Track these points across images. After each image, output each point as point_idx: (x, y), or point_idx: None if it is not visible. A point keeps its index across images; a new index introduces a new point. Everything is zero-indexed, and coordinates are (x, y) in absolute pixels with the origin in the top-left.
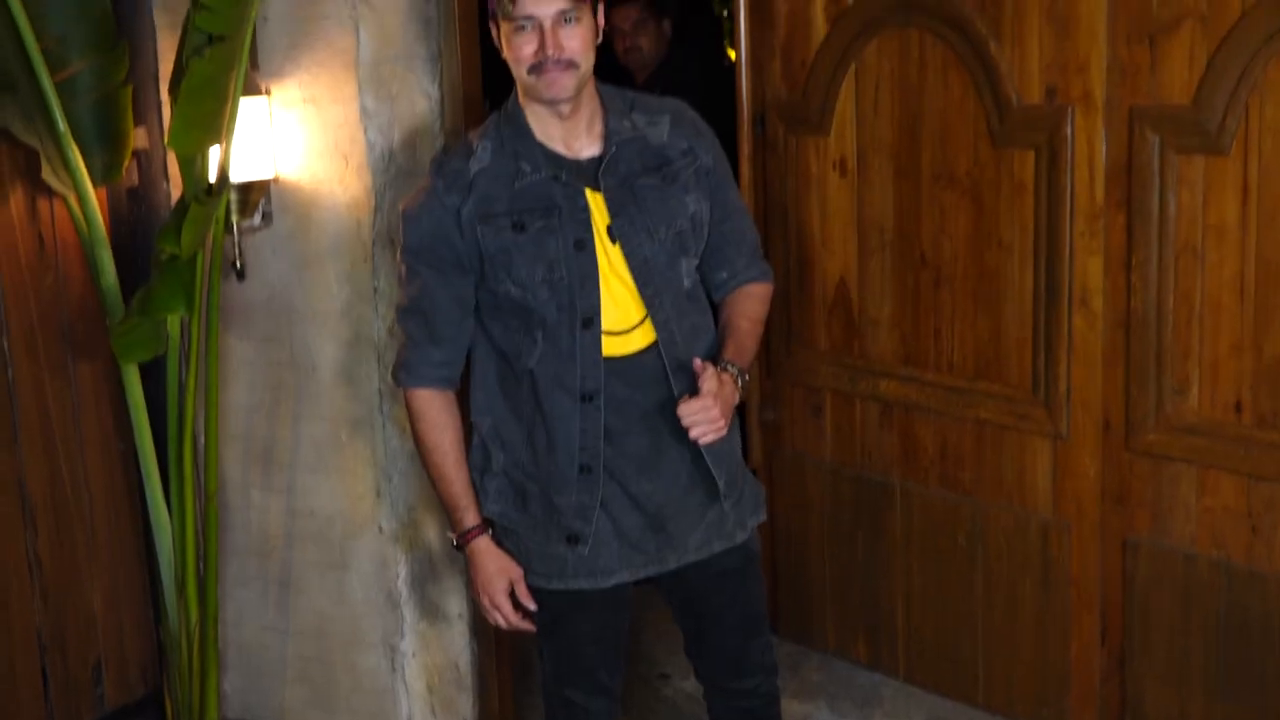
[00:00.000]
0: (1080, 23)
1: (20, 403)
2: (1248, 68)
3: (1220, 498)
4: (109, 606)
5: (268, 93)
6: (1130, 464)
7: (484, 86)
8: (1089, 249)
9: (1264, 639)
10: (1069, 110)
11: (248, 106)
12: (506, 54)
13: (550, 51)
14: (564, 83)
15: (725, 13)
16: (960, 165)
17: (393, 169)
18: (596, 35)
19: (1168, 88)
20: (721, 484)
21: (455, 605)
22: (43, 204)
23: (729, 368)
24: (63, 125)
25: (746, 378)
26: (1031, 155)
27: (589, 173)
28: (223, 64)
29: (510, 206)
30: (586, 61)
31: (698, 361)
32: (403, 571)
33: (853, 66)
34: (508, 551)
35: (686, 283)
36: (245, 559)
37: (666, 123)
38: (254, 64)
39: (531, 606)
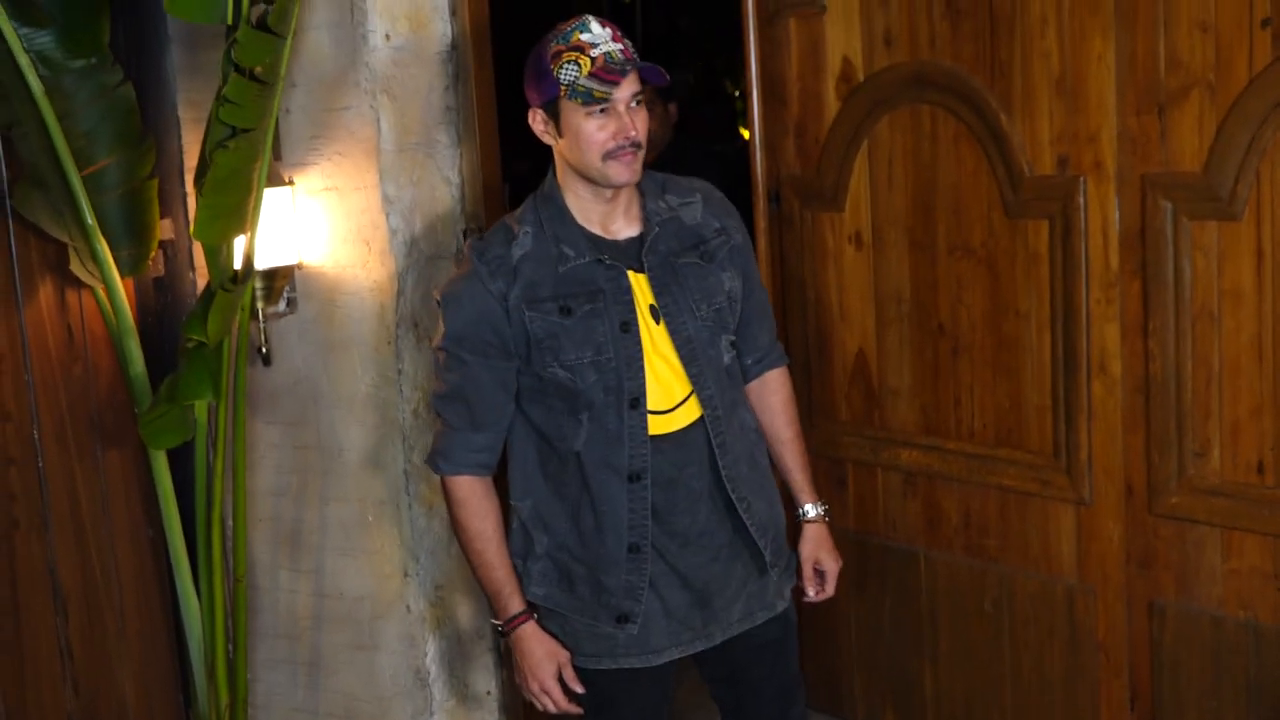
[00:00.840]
0: (1089, 94)
1: (51, 491)
2: (1257, 134)
3: (1246, 559)
4: (140, 692)
5: (291, 182)
6: (1154, 527)
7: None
8: (1105, 316)
9: None
10: (1081, 180)
11: (271, 196)
12: (565, 140)
13: (631, 135)
14: (636, 166)
15: (738, 92)
16: (975, 236)
17: (415, 253)
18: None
19: (1178, 156)
20: (768, 555)
21: (484, 683)
22: (71, 295)
23: (819, 511)
24: (90, 219)
25: (826, 507)
26: (1045, 225)
27: (630, 254)
28: (246, 156)
29: (556, 291)
30: (646, 145)
31: (809, 570)
32: (431, 650)
33: (865, 142)
34: (552, 634)
35: (726, 359)
36: (274, 641)
37: (699, 202)
38: (277, 155)
39: (579, 690)
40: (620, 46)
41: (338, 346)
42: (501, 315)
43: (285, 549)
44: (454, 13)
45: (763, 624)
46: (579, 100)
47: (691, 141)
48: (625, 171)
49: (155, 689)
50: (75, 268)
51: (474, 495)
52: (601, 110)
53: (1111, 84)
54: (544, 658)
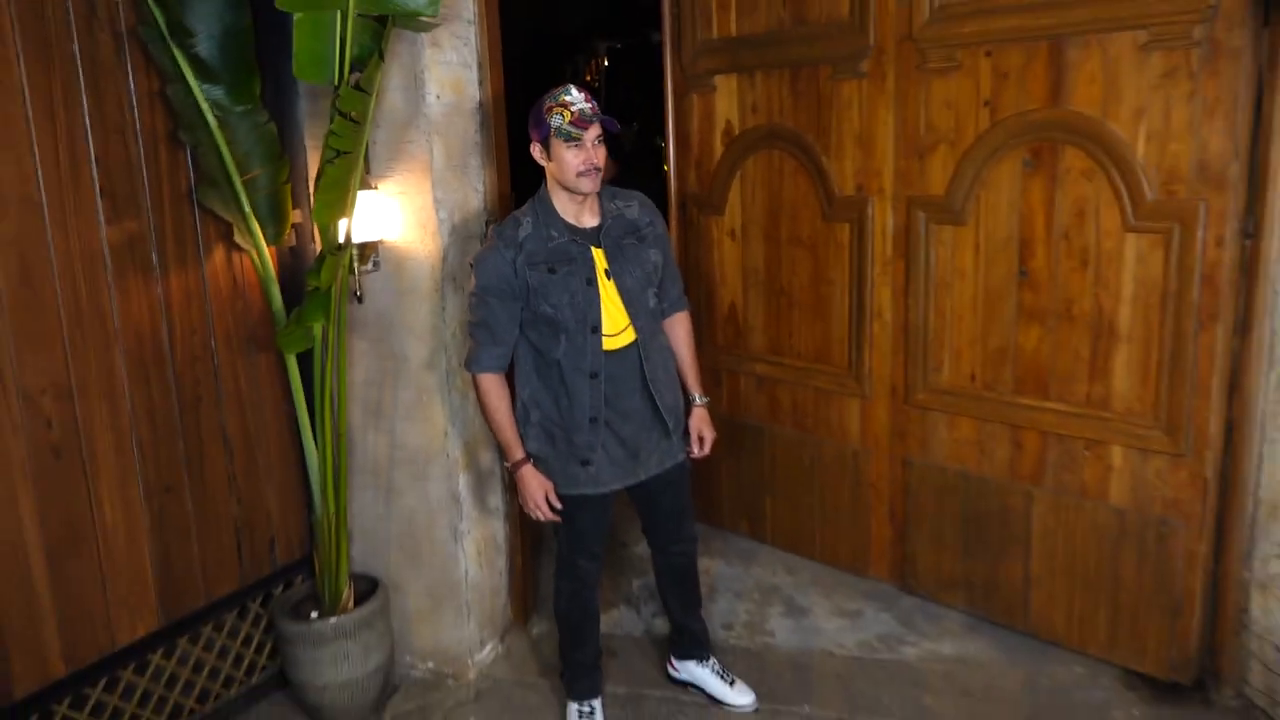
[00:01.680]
0: (877, 145)
1: (222, 379)
2: (979, 172)
3: (961, 433)
4: (279, 503)
5: (375, 187)
6: (908, 413)
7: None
8: (882, 284)
9: (987, 517)
10: (870, 199)
11: (363, 196)
12: (553, 163)
13: (594, 162)
14: (596, 181)
15: (661, 143)
16: (804, 232)
17: (454, 235)
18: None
19: (930, 184)
20: (670, 425)
21: (494, 502)
22: (235, 256)
23: (703, 401)
24: (248, 208)
25: (708, 399)
26: (848, 226)
27: (593, 236)
28: (347, 169)
29: (546, 258)
30: (604, 168)
31: (696, 438)
32: (462, 481)
33: (739, 173)
34: (542, 473)
35: (651, 304)
36: (364, 475)
37: (636, 205)
38: (367, 170)
39: (560, 507)
40: (590, 105)
41: (405, 292)
42: (511, 273)
43: (371, 417)
44: (481, 83)
45: (668, 469)
46: (562, 138)
47: (634, 174)
48: (589, 184)
49: (289, 502)
50: (238, 239)
51: (494, 385)
52: (576, 145)
53: (891, 140)
54: (537, 487)
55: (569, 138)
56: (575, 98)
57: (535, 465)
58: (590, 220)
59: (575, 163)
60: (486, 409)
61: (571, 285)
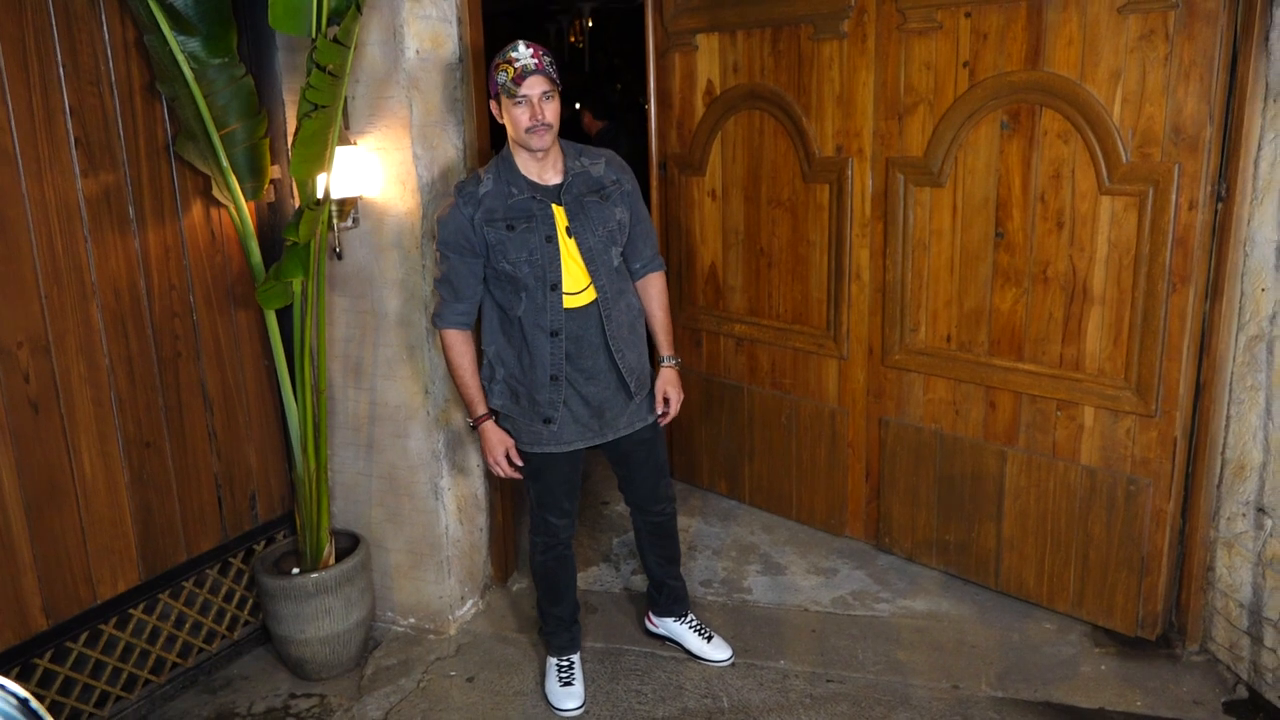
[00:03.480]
0: (856, 106)
1: (201, 335)
2: (957, 134)
3: (936, 393)
4: (259, 460)
5: (354, 143)
6: (884, 374)
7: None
8: (861, 244)
9: (961, 476)
10: (850, 160)
11: (342, 152)
12: (506, 120)
13: (540, 118)
14: (546, 138)
15: (644, 104)
16: (784, 193)
17: (433, 192)
18: (561, 107)
19: (909, 146)
20: (633, 387)
21: (473, 460)
22: (213, 211)
23: (672, 362)
24: (225, 163)
25: (679, 360)
26: (827, 188)
27: (553, 194)
28: (324, 123)
29: (505, 215)
30: (556, 124)
31: (660, 399)
32: (440, 439)
33: (719, 133)
34: (505, 430)
35: (615, 262)
36: (345, 431)
37: (603, 163)
38: (345, 124)
39: (519, 464)
40: (535, 61)
41: (384, 248)
42: (470, 229)
43: (351, 374)
44: (460, 38)
45: (638, 429)
46: (507, 95)
47: (622, 131)
48: (538, 140)
49: (269, 458)
50: (216, 193)
51: (457, 341)
52: (522, 101)
53: (870, 100)
54: (497, 443)
55: (510, 94)
56: (521, 54)
57: (500, 422)
58: (553, 178)
59: (523, 119)
60: (450, 364)
61: (530, 242)
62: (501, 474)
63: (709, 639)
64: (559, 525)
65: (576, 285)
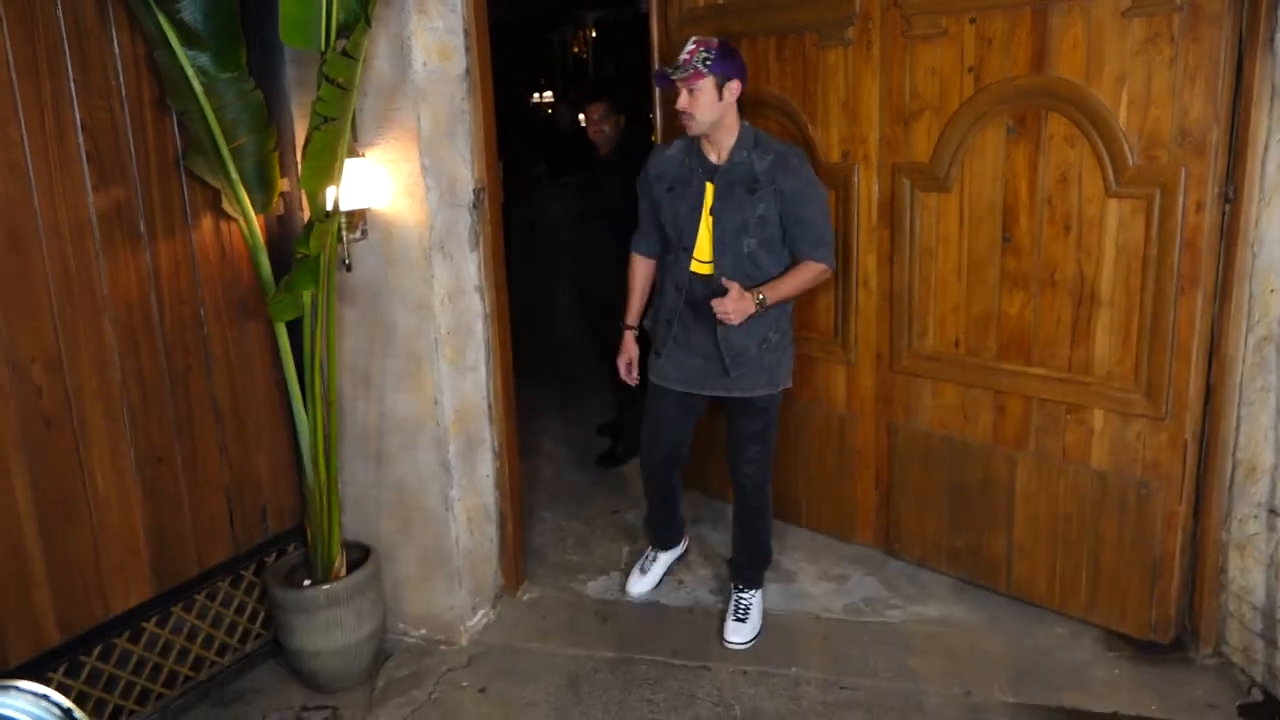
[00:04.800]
0: (862, 113)
1: (212, 348)
2: (963, 139)
3: (945, 398)
4: (270, 472)
5: (363, 155)
6: (893, 379)
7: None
8: (868, 250)
9: (971, 481)
10: (856, 166)
11: (351, 164)
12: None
13: (685, 108)
14: (691, 126)
15: (650, 115)
16: None
17: (442, 203)
18: (719, 97)
19: (915, 151)
20: (728, 362)
21: (485, 470)
22: (224, 224)
23: (753, 290)
24: (235, 176)
25: (766, 301)
26: (834, 194)
27: (712, 174)
28: (334, 136)
29: (671, 179)
30: (704, 114)
31: (727, 282)
32: (452, 449)
33: None
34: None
35: (745, 250)
36: (354, 443)
37: (770, 159)
38: (354, 137)
39: (635, 378)
40: (686, 54)
41: (394, 260)
42: (647, 181)
43: (361, 386)
44: (468, 50)
45: (735, 398)
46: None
47: (638, 137)
48: (688, 127)
49: (280, 470)
50: (226, 206)
51: (634, 263)
52: (676, 92)
53: (876, 107)
54: (624, 351)
55: (673, 87)
56: (683, 50)
57: (637, 337)
58: (718, 161)
59: (676, 108)
60: (629, 283)
61: (679, 207)
62: (622, 377)
63: (740, 619)
64: (648, 449)
65: (704, 255)
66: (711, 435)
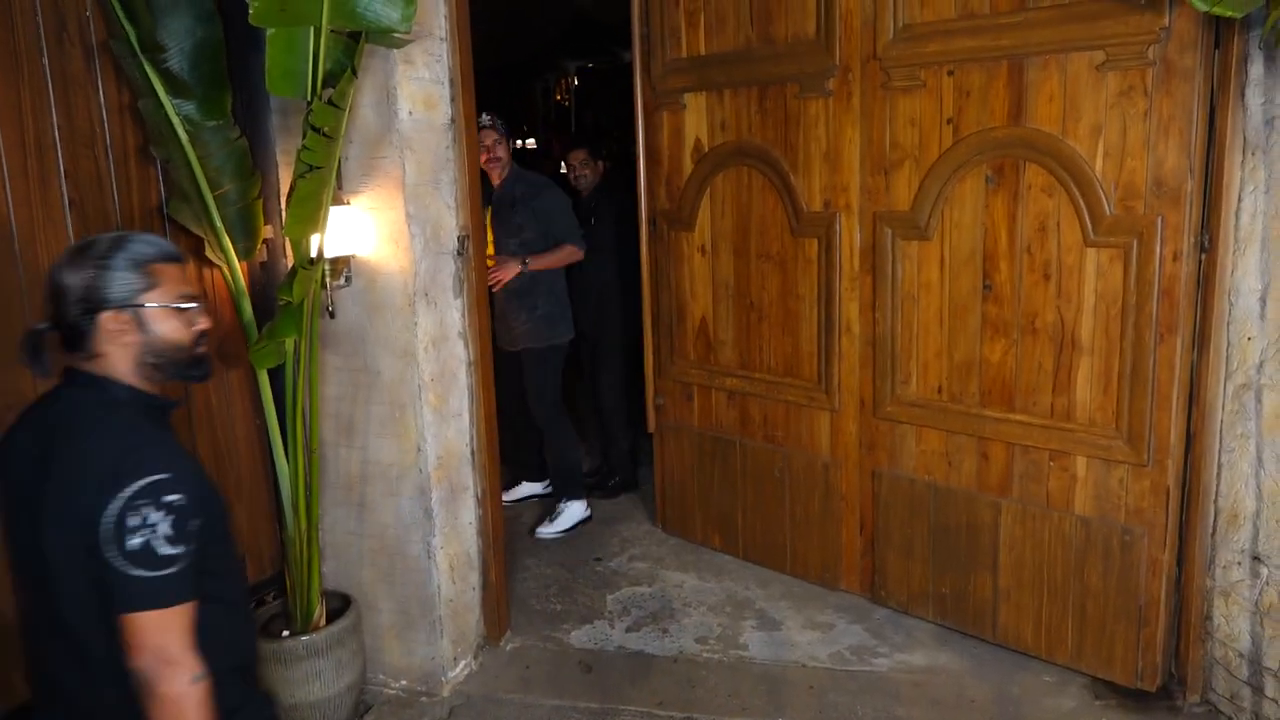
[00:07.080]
0: (843, 162)
1: (192, 394)
2: (943, 188)
3: (929, 445)
4: (250, 520)
5: (348, 202)
6: (876, 425)
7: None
8: (850, 298)
9: (955, 527)
10: (837, 215)
11: (336, 211)
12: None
13: (490, 155)
14: (495, 170)
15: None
16: (773, 247)
17: (427, 250)
18: (510, 149)
19: (896, 200)
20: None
21: (468, 518)
22: (206, 271)
23: (517, 255)
24: (219, 224)
25: (527, 266)
26: (816, 241)
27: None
28: (319, 184)
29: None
30: (506, 160)
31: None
32: (434, 496)
33: (708, 189)
34: None
35: (515, 249)
36: (336, 490)
37: (529, 187)
38: (339, 184)
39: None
40: (489, 120)
41: (378, 307)
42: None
43: (343, 433)
44: (453, 100)
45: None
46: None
47: (618, 183)
48: (491, 171)
49: (260, 519)
50: (209, 253)
51: None
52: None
53: (857, 156)
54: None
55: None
56: (483, 120)
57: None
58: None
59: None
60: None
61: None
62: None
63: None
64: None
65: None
66: (697, 474)
